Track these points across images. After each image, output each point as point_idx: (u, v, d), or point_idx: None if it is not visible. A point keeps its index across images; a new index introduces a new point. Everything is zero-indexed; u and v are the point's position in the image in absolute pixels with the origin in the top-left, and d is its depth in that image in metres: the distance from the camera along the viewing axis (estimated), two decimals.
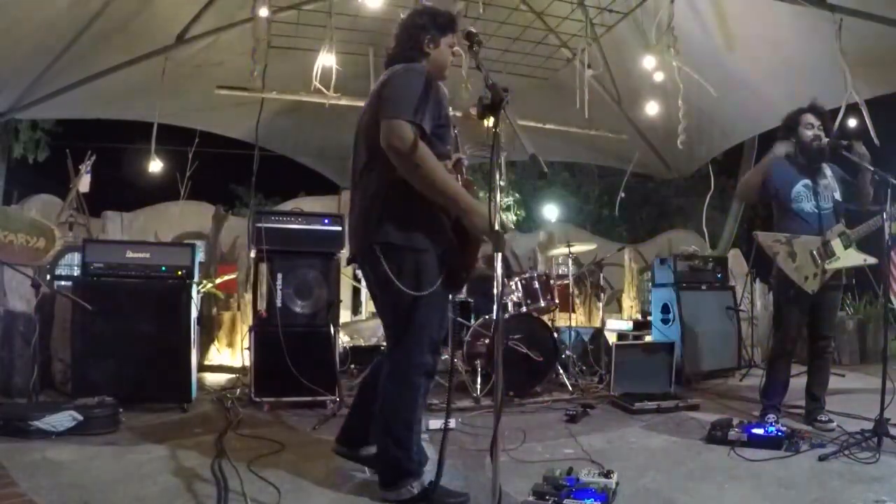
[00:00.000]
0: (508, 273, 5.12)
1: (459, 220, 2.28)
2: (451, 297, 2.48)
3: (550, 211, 12.56)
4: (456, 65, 5.61)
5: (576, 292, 6.20)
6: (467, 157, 2.62)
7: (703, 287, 5.36)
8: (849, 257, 3.44)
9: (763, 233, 3.64)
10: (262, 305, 4.00)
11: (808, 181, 3.55)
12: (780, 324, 3.65)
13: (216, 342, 5.51)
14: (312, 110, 6.38)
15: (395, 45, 2.47)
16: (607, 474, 2.47)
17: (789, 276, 3.46)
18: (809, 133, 3.52)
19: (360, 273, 3.02)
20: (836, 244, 3.45)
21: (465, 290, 5.68)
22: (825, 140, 3.48)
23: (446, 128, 2.34)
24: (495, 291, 2.09)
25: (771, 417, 3.50)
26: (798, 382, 3.76)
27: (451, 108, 2.63)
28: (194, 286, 3.95)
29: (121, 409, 3.30)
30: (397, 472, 2.34)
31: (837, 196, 3.54)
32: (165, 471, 2.65)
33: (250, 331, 4.00)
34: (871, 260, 3.46)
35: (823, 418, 3.46)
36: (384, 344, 5.01)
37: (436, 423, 3.44)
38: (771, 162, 3.68)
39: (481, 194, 2.60)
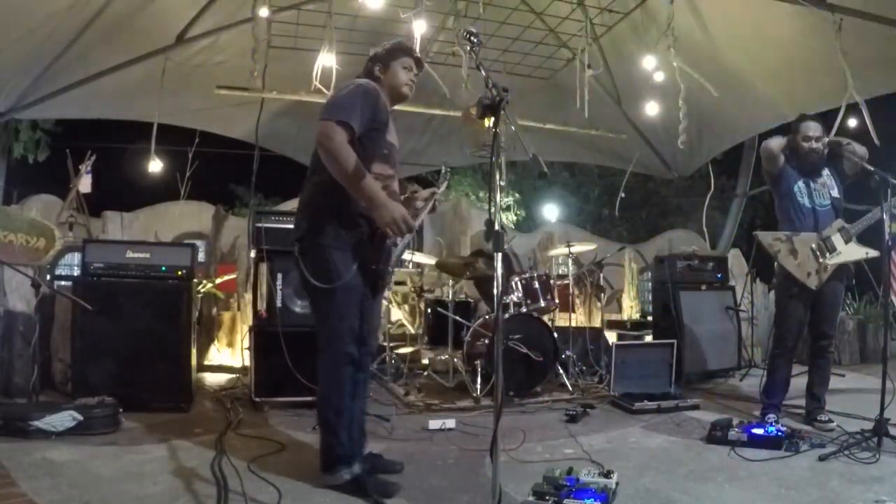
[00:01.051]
0: (510, 272, 5.11)
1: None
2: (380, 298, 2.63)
3: (550, 211, 12.58)
4: (456, 65, 5.62)
5: (576, 292, 6.19)
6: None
7: (703, 287, 5.36)
8: (850, 251, 3.48)
9: (763, 232, 3.68)
10: (262, 305, 4.00)
11: (806, 179, 3.61)
12: (781, 322, 3.67)
13: (216, 342, 5.51)
14: (312, 110, 6.36)
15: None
16: (607, 474, 2.47)
17: (792, 273, 3.49)
18: (807, 145, 3.54)
19: None
20: (837, 239, 3.49)
21: (465, 290, 5.71)
22: (824, 150, 3.54)
23: (380, 132, 2.55)
24: (495, 291, 2.09)
25: (771, 416, 3.51)
26: (799, 382, 3.76)
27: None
28: (194, 286, 3.95)
29: (121, 409, 3.30)
30: (330, 458, 2.47)
31: (836, 193, 3.58)
32: (165, 471, 2.65)
33: (250, 331, 4.00)
34: (873, 252, 3.49)
35: (823, 418, 3.47)
36: (384, 344, 5.03)
37: (435, 424, 3.45)
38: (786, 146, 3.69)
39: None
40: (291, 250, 2.59)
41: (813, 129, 3.55)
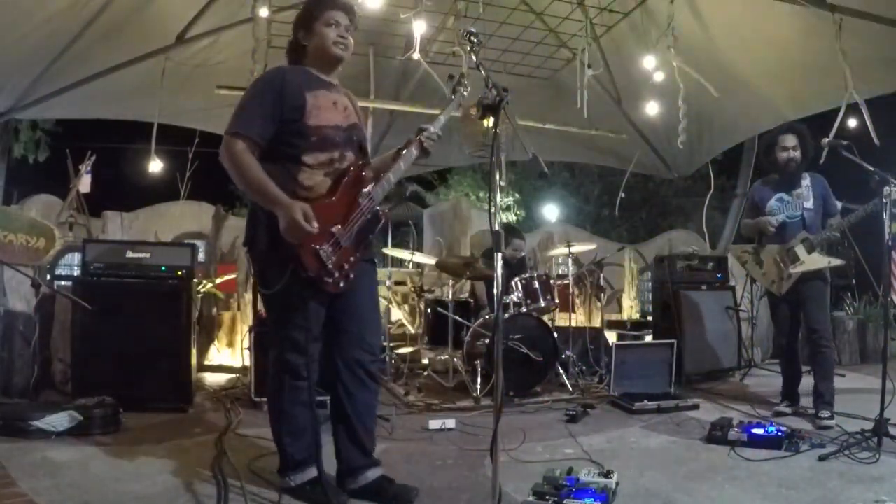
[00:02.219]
0: (522, 268, 5.12)
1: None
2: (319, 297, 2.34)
3: (550, 211, 12.58)
4: (456, 65, 5.61)
5: (576, 292, 6.19)
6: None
7: (703, 287, 5.36)
8: (813, 260, 3.68)
9: (735, 245, 4.19)
10: (261, 305, 4.00)
11: (781, 194, 3.86)
12: (773, 323, 4.05)
13: (216, 342, 5.50)
14: None
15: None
16: (607, 474, 2.47)
17: (758, 280, 3.94)
18: (784, 155, 3.80)
19: None
20: (800, 249, 3.71)
21: (466, 290, 5.70)
22: (797, 161, 3.78)
23: (298, 122, 2.30)
24: (495, 291, 2.09)
25: (786, 403, 3.84)
26: (807, 381, 3.82)
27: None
28: (194, 286, 3.95)
29: (121, 409, 3.30)
30: (281, 462, 2.42)
31: (808, 205, 3.77)
32: (165, 471, 2.65)
33: (250, 331, 4.00)
34: (836, 262, 3.71)
35: (824, 414, 3.48)
36: (384, 344, 5.02)
37: (435, 424, 3.45)
38: (752, 189, 4.15)
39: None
40: None
41: (789, 139, 3.80)
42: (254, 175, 2.21)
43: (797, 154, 3.77)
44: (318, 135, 2.32)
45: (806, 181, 3.81)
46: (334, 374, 2.42)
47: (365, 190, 2.38)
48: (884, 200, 3.16)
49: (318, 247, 2.21)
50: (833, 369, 3.73)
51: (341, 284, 2.29)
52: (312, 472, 2.37)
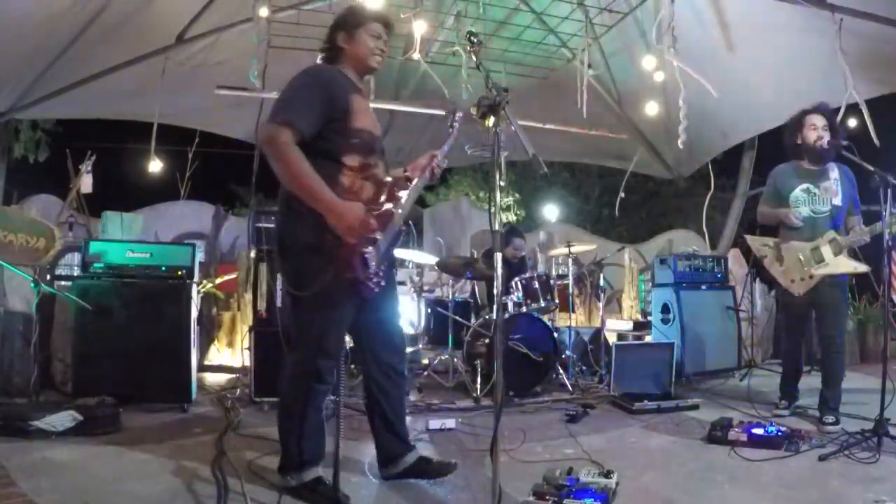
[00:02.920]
0: (522, 268, 5.12)
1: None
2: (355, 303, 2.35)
3: (550, 211, 12.56)
4: (456, 65, 5.62)
5: (576, 292, 6.19)
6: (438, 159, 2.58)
7: (703, 287, 5.36)
8: (838, 264, 3.47)
9: (751, 236, 3.80)
10: (262, 305, 4.00)
11: (808, 185, 3.60)
12: (780, 321, 3.93)
13: (216, 342, 5.50)
14: None
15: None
16: (607, 474, 2.47)
17: (776, 278, 3.64)
18: (813, 134, 3.53)
19: None
20: (826, 250, 3.49)
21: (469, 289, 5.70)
22: (827, 140, 3.49)
23: (342, 121, 2.30)
24: (495, 291, 2.09)
25: (783, 404, 3.79)
26: (813, 383, 3.83)
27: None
28: (194, 286, 3.94)
29: (121, 409, 3.30)
30: (284, 461, 2.43)
31: (837, 201, 3.54)
32: (165, 471, 2.64)
33: (250, 331, 4.00)
34: (862, 268, 3.50)
35: (829, 420, 3.43)
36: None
37: (435, 424, 3.45)
38: (774, 171, 3.80)
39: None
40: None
41: (818, 118, 3.54)
42: (304, 170, 2.18)
43: (827, 135, 3.48)
44: (359, 137, 2.34)
45: (834, 173, 3.56)
46: (367, 376, 2.55)
47: (399, 203, 2.45)
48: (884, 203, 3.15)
49: (367, 251, 2.23)
50: (841, 376, 3.58)
51: (376, 290, 2.31)
52: (314, 473, 2.39)
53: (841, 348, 3.56)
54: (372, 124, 2.43)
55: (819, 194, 3.56)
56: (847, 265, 3.47)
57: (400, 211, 2.42)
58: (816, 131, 3.52)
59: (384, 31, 2.48)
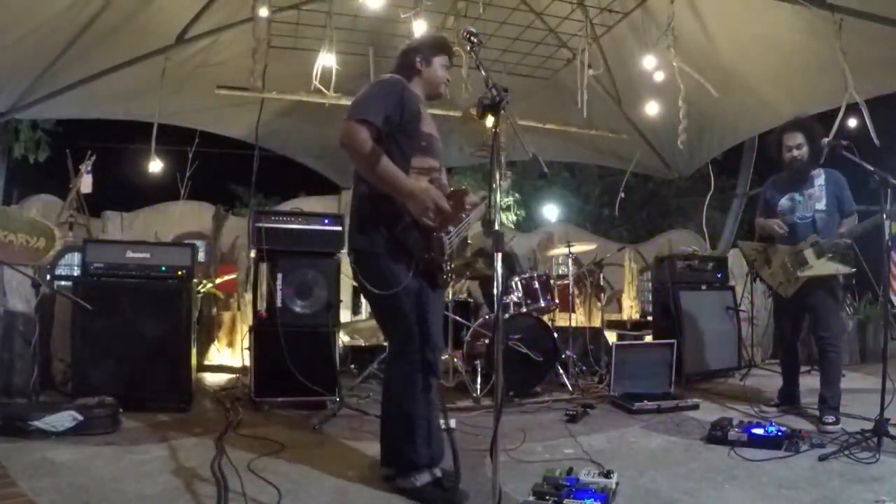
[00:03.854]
0: (511, 272, 5.11)
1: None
2: (441, 293, 2.50)
3: (550, 211, 12.58)
4: (456, 65, 5.61)
5: (576, 292, 6.19)
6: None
7: (703, 287, 5.37)
8: (821, 266, 3.60)
9: (743, 242, 4.07)
10: (262, 305, 4.01)
11: (793, 194, 3.77)
12: (775, 322, 4.10)
13: (216, 342, 5.50)
14: (312, 110, 6.37)
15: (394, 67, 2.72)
16: (607, 474, 2.47)
17: (766, 280, 3.86)
18: (787, 155, 3.73)
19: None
20: (809, 253, 3.63)
21: (469, 289, 5.70)
22: (804, 155, 3.67)
23: (413, 124, 2.48)
24: (495, 291, 2.10)
25: (774, 401, 3.94)
26: (812, 383, 3.86)
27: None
28: (194, 286, 3.95)
29: (121, 409, 3.30)
30: (403, 463, 2.45)
31: (821, 206, 3.67)
32: (165, 471, 2.65)
33: (250, 331, 4.00)
34: (844, 269, 3.64)
35: (828, 419, 3.44)
36: (384, 344, 5.02)
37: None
38: (765, 184, 4.05)
39: (482, 193, 2.63)
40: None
41: (791, 137, 3.70)
42: (386, 164, 2.35)
43: (802, 152, 3.66)
44: (427, 140, 2.53)
45: (819, 180, 3.71)
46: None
47: (466, 212, 2.58)
48: (883, 203, 3.16)
49: (443, 234, 2.39)
50: (839, 374, 3.62)
51: (450, 282, 2.47)
52: (434, 474, 2.45)
53: (837, 346, 3.64)
54: (436, 132, 2.62)
55: (803, 201, 3.73)
56: (830, 268, 3.60)
57: (467, 216, 2.55)
58: (790, 152, 3.70)
59: (450, 64, 2.70)
